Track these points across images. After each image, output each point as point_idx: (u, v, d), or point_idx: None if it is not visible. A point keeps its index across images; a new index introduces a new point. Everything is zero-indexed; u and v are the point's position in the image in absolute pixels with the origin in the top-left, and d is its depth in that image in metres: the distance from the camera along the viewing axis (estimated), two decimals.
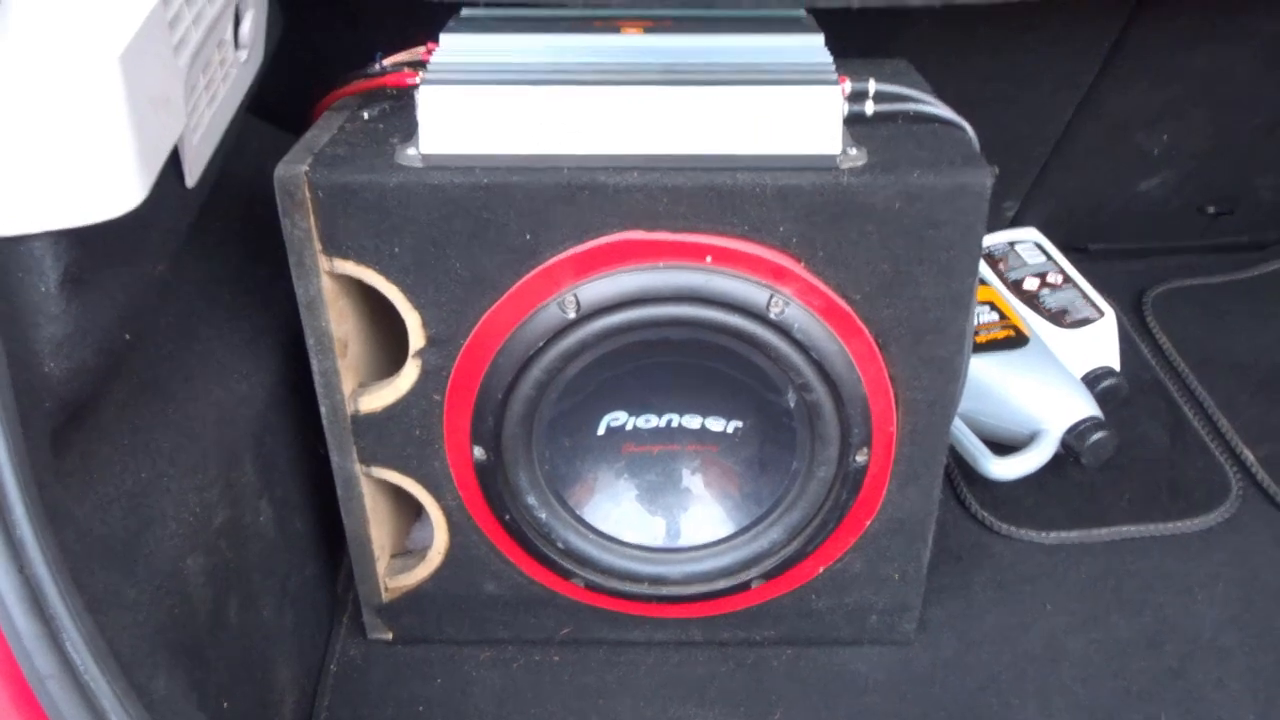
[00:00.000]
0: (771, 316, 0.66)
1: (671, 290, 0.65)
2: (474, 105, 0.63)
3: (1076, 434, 0.91)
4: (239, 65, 0.67)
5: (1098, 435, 0.91)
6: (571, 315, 0.65)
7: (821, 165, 0.63)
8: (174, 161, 0.58)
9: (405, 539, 0.83)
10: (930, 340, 0.68)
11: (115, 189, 0.49)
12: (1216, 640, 0.82)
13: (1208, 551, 0.88)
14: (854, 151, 0.65)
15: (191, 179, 0.60)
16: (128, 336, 0.56)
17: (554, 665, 0.81)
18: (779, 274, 0.65)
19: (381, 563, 0.79)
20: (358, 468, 0.73)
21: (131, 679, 0.50)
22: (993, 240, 1.15)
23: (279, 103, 0.78)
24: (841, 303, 0.67)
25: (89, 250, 0.51)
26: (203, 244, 0.69)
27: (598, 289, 0.65)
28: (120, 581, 0.56)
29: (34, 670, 0.46)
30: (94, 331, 0.52)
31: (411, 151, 0.64)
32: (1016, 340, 0.99)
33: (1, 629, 0.46)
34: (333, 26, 0.78)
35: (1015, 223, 1.20)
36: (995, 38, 0.93)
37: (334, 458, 0.73)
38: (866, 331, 0.68)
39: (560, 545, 0.74)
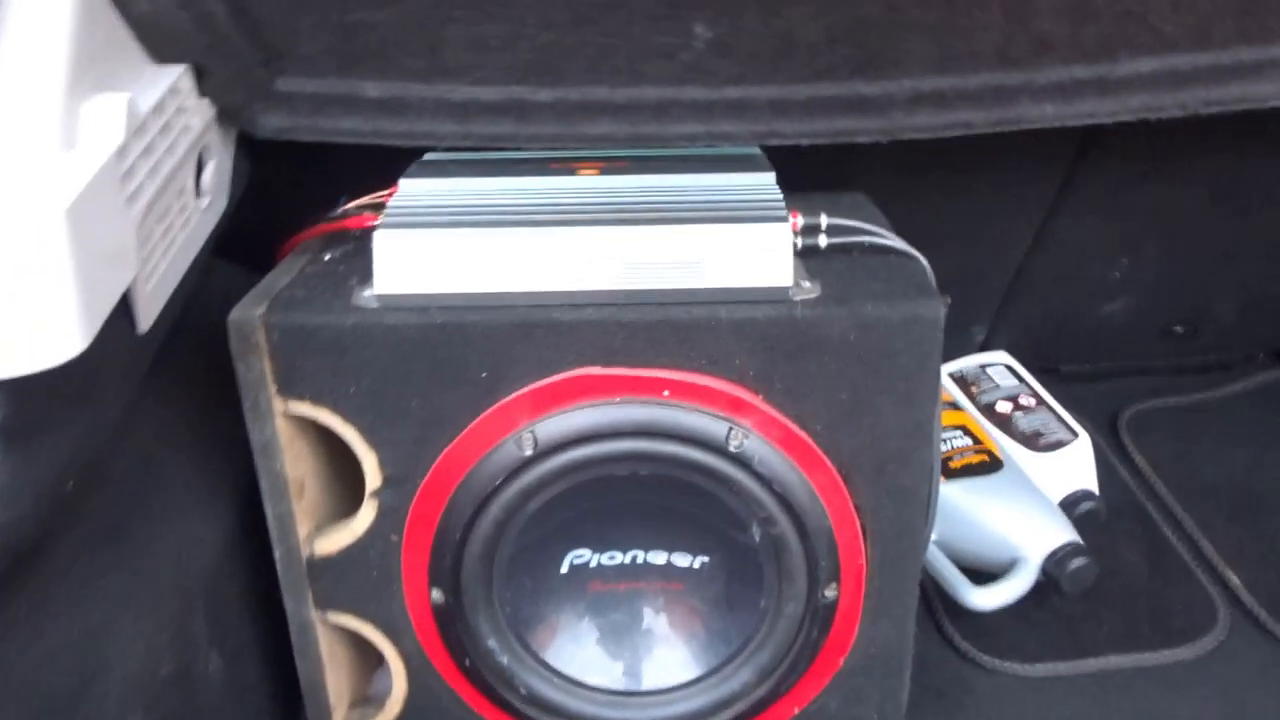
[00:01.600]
0: (731, 449, 0.65)
1: (629, 425, 0.65)
2: (428, 247, 0.64)
3: (1056, 561, 0.89)
4: (200, 211, 0.68)
5: (1077, 562, 0.89)
6: (529, 452, 0.65)
7: (775, 298, 0.64)
8: (126, 307, 0.58)
9: (366, 687, 0.80)
10: (894, 470, 0.67)
11: (56, 339, 0.49)
12: None
13: (1195, 683, 0.86)
14: (807, 284, 0.65)
15: (145, 324, 0.60)
16: (71, 485, 0.55)
17: None
18: (737, 406, 0.65)
19: (339, 713, 0.76)
20: (313, 613, 0.71)
21: None
22: (963, 364, 1.16)
23: (247, 244, 0.79)
24: (802, 434, 0.66)
25: (30, 399, 0.50)
26: (161, 387, 0.69)
27: (554, 425, 0.65)
28: None
29: None
30: (36, 481, 0.51)
31: (368, 293, 0.65)
32: (991, 465, 0.98)
33: None
34: (300, 170, 0.80)
35: (985, 347, 1.21)
36: (950, 176, 0.96)
37: (289, 603, 0.71)
38: (829, 462, 0.67)
39: (523, 692, 0.71)
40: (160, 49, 0.62)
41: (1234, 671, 0.86)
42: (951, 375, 1.14)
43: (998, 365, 1.15)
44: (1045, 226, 1.02)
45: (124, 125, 0.54)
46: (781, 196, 0.68)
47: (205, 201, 0.68)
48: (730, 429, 0.65)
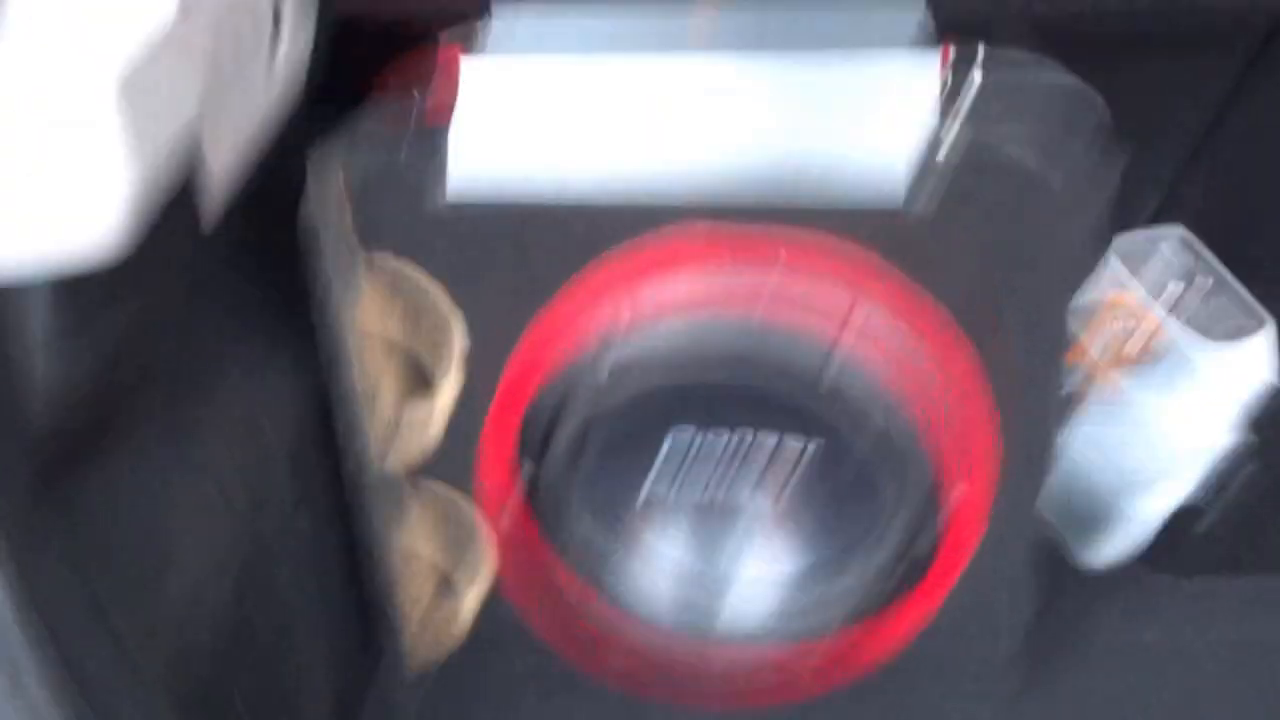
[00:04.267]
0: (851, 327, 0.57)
1: (733, 335, 0.58)
2: (520, 84, 0.57)
3: (1226, 466, 0.79)
4: (281, 80, 0.61)
5: (1250, 467, 0.78)
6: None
7: (913, 148, 0.54)
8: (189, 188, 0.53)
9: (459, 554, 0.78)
10: (1037, 361, 0.58)
11: (109, 228, 0.43)
12: None
13: None
14: (950, 133, 0.55)
15: (215, 201, 0.55)
16: (150, 348, 0.52)
17: None
18: (860, 282, 0.57)
19: (429, 581, 0.74)
20: (399, 479, 0.68)
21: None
22: (1130, 238, 1.02)
23: (337, 82, 0.73)
24: (933, 314, 0.57)
25: (84, 291, 0.46)
26: (238, 234, 0.65)
27: (647, 345, 0.58)
28: (140, 620, 0.53)
29: None
30: (86, 382, 0.48)
31: (455, 139, 0.59)
32: (1154, 354, 0.87)
33: None
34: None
35: (1158, 219, 1.07)
36: (1130, 32, 0.82)
37: (373, 470, 0.68)
38: (962, 349, 0.58)
39: (614, 574, 0.67)
40: None
41: None
42: (1114, 249, 1.01)
43: (1171, 240, 1.01)
44: (1239, 94, 0.86)
45: None
46: (928, 29, 0.58)
47: (283, 67, 0.61)
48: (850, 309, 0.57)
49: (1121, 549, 0.79)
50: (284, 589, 0.64)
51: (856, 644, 0.68)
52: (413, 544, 0.71)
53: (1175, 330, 0.92)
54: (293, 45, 0.64)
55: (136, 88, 0.43)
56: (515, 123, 0.58)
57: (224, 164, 0.55)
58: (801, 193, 0.56)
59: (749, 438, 0.67)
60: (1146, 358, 0.86)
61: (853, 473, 0.62)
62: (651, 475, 0.66)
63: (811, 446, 0.66)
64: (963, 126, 0.55)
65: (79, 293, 0.46)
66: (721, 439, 0.67)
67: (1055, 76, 0.58)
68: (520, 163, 0.57)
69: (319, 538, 0.68)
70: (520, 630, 0.70)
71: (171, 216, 0.49)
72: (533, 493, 0.65)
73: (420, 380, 0.68)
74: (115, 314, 0.50)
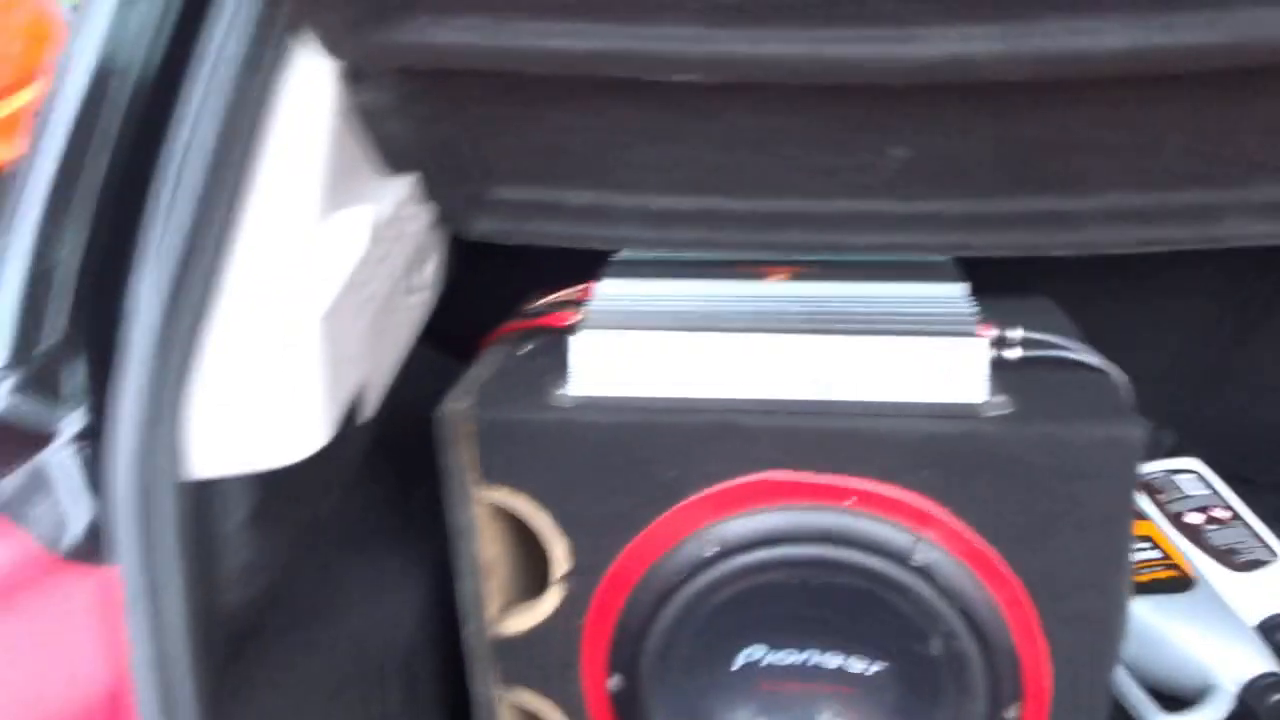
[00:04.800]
0: (914, 561, 0.65)
1: (812, 531, 0.66)
2: (622, 350, 0.67)
3: (1254, 692, 0.84)
4: (416, 307, 0.74)
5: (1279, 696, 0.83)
6: (710, 553, 0.66)
7: (965, 414, 0.64)
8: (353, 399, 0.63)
9: None
10: (1083, 594, 0.66)
11: (303, 434, 0.54)
12: None
13: None
14: (998, 399, 0.65)
15: (368, 414, 0.65)
16: (295, 565, 0.60)
17: None
18: (922, 518, 0.65)
19: None
20: (497, 690, 0.74)
21: None
22: (1151, 470, 1.10)
23: (447, 330, 0.85)
24: (988, 550, 0.65)
25: (274, 487, 0.56)
26: (367, 470, 0.74)
27: (738, 527, 0.66)
28: None
29: None
30: (271, 564, 0.57)
31: (565, 391, 0.69)
32: (1181, 582, 0.93)
33: None
34: (502, 261, 0.85)
35: (1174, 452, 1.15)
36: (1146, 273, 0.93)
37: (474, 679, 0.74)
38: (1015, 580, 0.66)
39: None
40: (396, 162, 0.68)
41: None
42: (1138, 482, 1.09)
43: (1188, 473, 1.10)
44: (1247, 330, 0.97)
45: (368, 237, 0.59)
46: (975, 310, 0.68)
47: (420, 297, 0.74)
48: (914, 541, 0.65)
49: None
50: None
51: None
52: None
53: (1196, 557, 0.98)
54: (424, 306, 0.76)
55: (333, 319, 0.54)
56: (623, 382, 0.68)
57: (376, 397, 0.65)
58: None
59: (814, 660, 0.73)
60: (1171, 585, 0.93)
61: (939, 648, 0.67)
62: (741, 654, 0.71)
63: (874, 669, 0.73)
64: (1004, 395, 0.65)
65: (278, 486, 0.55)
66: (789, 659, 0.74)
67: (1083, 354, 0.68)
68: (629, 413, 0.67)
69: None
70: None
71: (342, 429, 0.58)
72: (624, 700, 0.71)
73: (518, 597, 0.75)
74: (296, 507, 0.58)
